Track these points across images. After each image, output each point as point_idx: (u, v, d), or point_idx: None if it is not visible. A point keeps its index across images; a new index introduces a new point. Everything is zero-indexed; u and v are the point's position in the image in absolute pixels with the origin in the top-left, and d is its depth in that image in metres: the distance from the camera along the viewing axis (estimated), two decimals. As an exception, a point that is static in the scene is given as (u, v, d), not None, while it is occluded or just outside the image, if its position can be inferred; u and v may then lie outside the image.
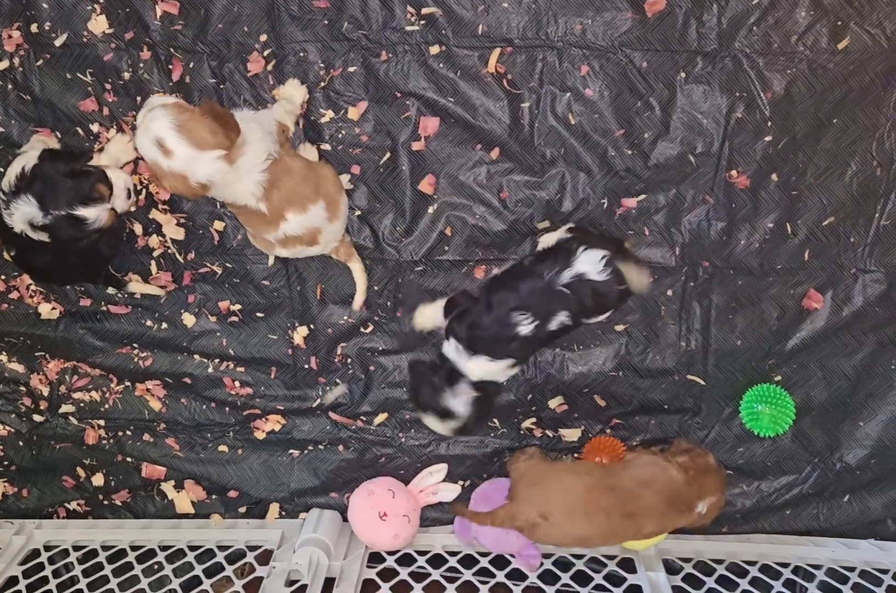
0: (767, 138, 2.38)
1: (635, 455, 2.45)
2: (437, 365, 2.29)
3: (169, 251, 2.59)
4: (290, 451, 2.76)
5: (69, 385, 2.76)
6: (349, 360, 2.67)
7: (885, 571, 2.56)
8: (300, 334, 2.64)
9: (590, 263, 2.12)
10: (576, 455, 2.69)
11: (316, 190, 2.27)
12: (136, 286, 2.61)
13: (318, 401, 2.70)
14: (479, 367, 2.22)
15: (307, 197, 2.24)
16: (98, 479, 2.82)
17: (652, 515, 2.30)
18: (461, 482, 2.74)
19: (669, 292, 2.54)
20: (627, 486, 2.30)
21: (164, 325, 2.68)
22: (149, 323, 2.67)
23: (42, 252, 2.34)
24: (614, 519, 2.29)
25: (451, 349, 2.23)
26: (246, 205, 2.18)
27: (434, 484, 2.73)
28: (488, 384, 2.27)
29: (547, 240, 2.39)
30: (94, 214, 2.27)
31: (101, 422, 2.78)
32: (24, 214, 2.22)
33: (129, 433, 2.78)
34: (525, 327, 2.15)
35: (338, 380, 2.69)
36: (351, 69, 2.40)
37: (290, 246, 2.33)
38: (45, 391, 2.77)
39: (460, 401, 2.25)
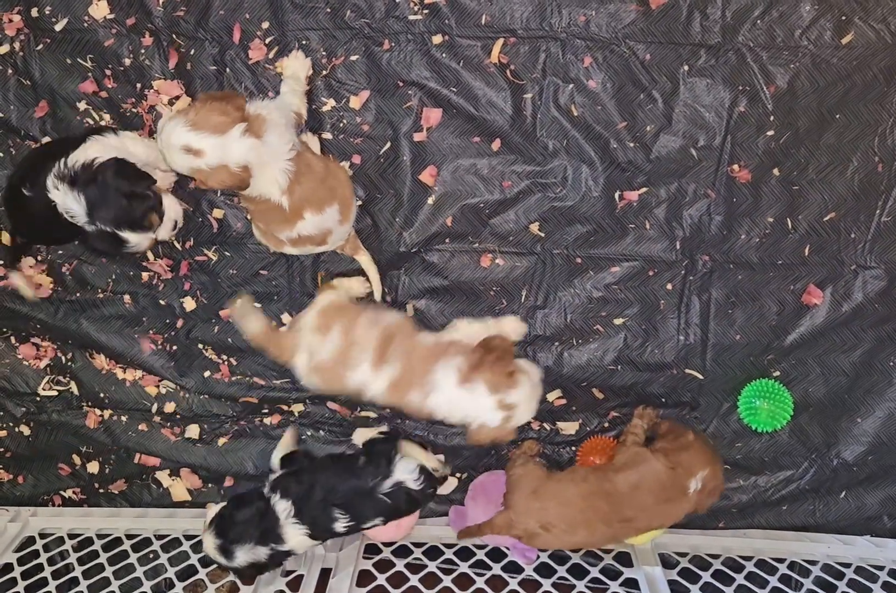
0: (770, 133, 2.37)
1: (621, 449, 2.45)
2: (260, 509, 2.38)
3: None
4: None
5: (66, 371, 2.76)
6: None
7: (880, 568, 2.56)
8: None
9: (407, 472, 2.40)
10: (573, 448, 2.69)
11: (333, 192, 2.28)
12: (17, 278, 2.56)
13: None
14: (297, 539, 2.37)
15: (325, 198, 2.25)
16: (93, 467, 2.83)
17: (648, 513, 2.32)
18: (458, 474, 2.74)
19: (669, 286, 2.53)
20: (622, 490, 2.31)
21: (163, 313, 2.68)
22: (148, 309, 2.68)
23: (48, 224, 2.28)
24: (613, 526, 2.32)
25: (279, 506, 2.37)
26: (269, 198, 2.18)
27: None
28: (283, 554, 2.40)
29: (361, 436, 2.64)
30: (136, 240, 2.25)
31: (98, 411, 2.78)
32: (68, 207, 2.17)
33: (125, 421, 2.78)
34: (340, 525, 2.36)
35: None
36: (353, 58, 2.39)
37: (301, 245, 2.34)
38: (42, 377, 2.77)
39: (250, 555, 2.36)
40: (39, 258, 2.65)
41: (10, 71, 2.47)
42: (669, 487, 2.31)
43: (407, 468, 2.41)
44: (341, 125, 2.44)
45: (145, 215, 2.24)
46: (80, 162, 2.17)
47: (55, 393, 2.78)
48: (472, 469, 2.74)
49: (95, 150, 2.21)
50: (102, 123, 2.49)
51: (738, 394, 2.58)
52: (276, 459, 2.62)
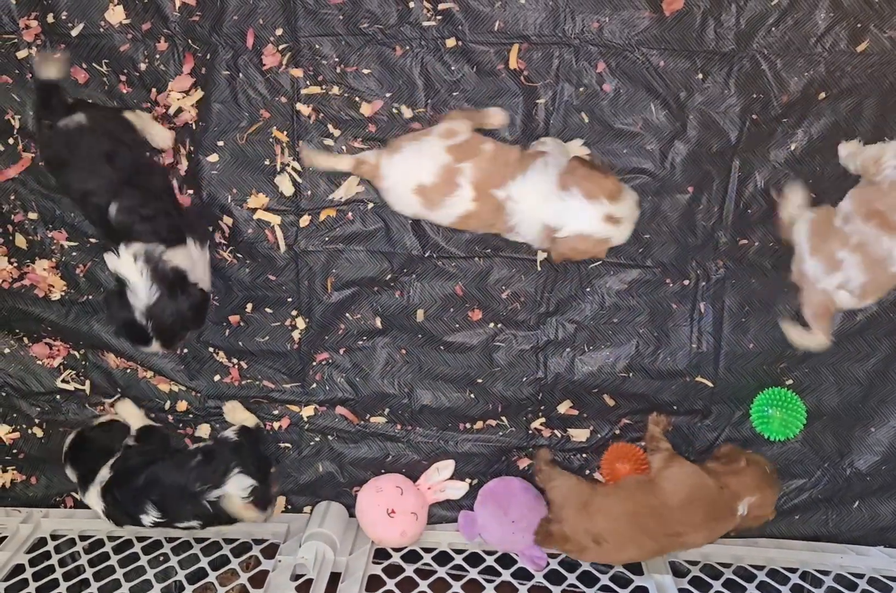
0: (782, 140, 2.36)
1: (668, 466, 2.43)
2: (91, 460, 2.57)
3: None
4: (299, 445, 2.76)
5: (80, 369, 2.77)
6: (356, 354, 2.68)
7: (894, 579, 2.54)
8: (300, 327, 2.65)
9: (238, 488, 2.45)
10: (584, 455, 2.68)
11: None
12: None
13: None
14: (94, 503, 2.53)
15: None
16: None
17: (696, 529, 2.32)
18: (469, 480, 2.74)
19: (682, 293, 2.52)
20: (670, 505, 2.31)
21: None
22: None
23: None
24: (661, 541, 2.33)
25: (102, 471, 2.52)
26: None
27: (442, 482, 2.72)
28: None
29: (231, 413, 2.70)
30: (156, 350, 2.38)
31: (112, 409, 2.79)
32: (132, 280, 2.25)
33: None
34: (148, 519, 2.46)
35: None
36: (365, 64, 2.39)
37: None
38: (55, 376, 2.78)
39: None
40: (54, 260, 2.66)
41: (28, 75, 2.47)
42: (719, 505, 2.31)
43: (240, 484, 2.45)
44: (352, 131, 2.45)
45: (180, 338, 2.41)
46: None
47: (72, 388, 2.78)
48: (482, 475, 2.74)
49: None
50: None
51: (751, 403, 2.56)
52: (133, 429, 2.67)
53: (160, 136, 2.46)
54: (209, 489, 2.44)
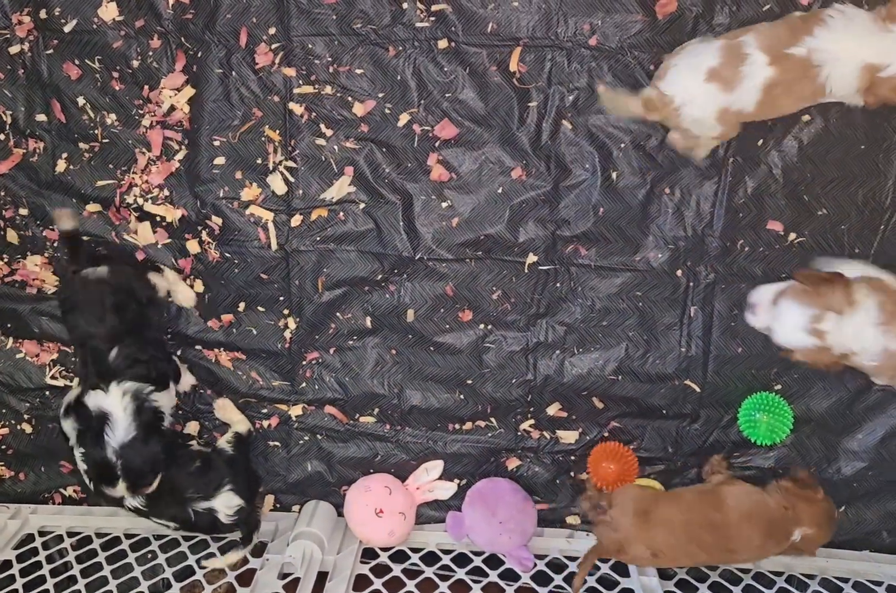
0: (774, 145, 2.36)
1: (730, 482, 2.44)
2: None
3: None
4: (287, 444, 2.76)
5: (69, 365, 2.77)
6: (346, 353, 2.68)
7: (878, 583, 2.55)
8: (291, 327, 2.65)
9: (225, 505, 2.49)
10: (573, 457, 2.69)
11: None
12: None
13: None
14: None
15: None
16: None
17: (750, 548, 2.32)
18: (457, 480, 2.74)
19: (672, 297, 2.52)
20: (729, 521, 2.30)
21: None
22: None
23: None
24: (714, 555, 2.35)
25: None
26: None
27: (430, 482, 2.72)
28: None
29: (221, 411, 2.70)
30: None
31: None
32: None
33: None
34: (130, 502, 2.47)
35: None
36: (358, 64, 2.39)
37: None
38: (45, 372, 2.78)
39: None
40: (47, 255, 2.66)
41: (20, 71, 2.48)
42: (777, 527, 2.31)
43: (228, 502, 2.49)
44: (344, 130, 2.45)
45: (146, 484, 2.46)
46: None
47: (62, 384, 2.77)
48: (470, 475, 2.74)
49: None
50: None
51: (739, 407, 2.56)
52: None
53: (184, 296, 2.61)
54: (197, 499, 2.48)
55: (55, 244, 2.64)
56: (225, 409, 2.70)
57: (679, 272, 2.49)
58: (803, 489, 2.36)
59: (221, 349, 2.69)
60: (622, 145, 2.39)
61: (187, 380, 2.67)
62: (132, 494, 2.44)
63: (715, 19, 2.26)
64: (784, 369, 2.55)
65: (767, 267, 2.45)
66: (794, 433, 2.52)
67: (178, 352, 2.70)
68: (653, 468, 2.67)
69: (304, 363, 2.68)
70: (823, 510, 2.36)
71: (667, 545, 2.31)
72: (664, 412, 2.62)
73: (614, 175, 2.41)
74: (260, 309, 2.63)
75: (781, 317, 2.15)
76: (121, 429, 2.36)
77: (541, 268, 2.52)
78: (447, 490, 2.73)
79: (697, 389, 2.58)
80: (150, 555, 2.66)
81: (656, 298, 2.52)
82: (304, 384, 2.70)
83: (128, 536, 2.71)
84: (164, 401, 2.48)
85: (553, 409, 2.64)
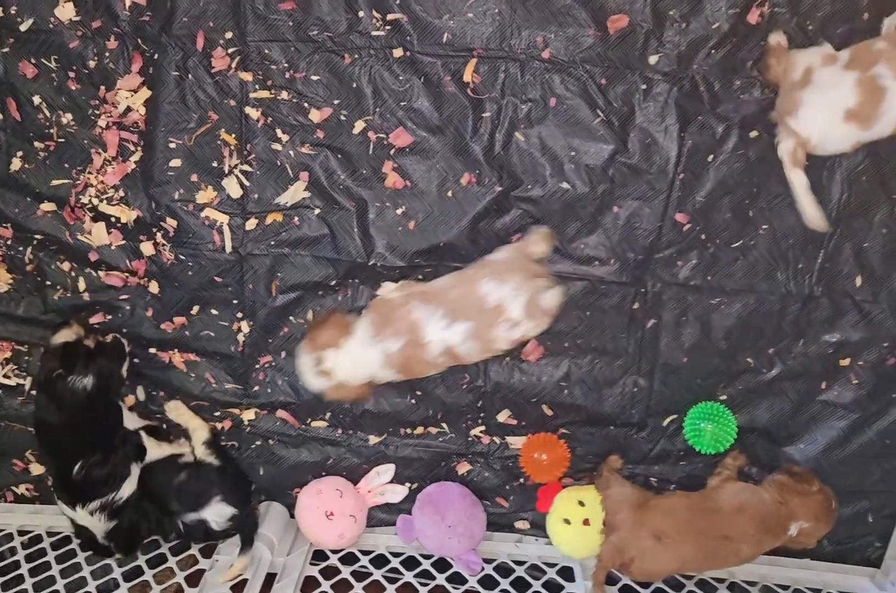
0: (721, 160, 2.38)
1: (726, 481, 2.48)
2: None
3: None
4: (240, 447, 2.77)
5: (22, 364, 2.77)
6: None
7: (817, 591, 2.61)
8: (244, 330, 2.65)
9: (217, 515, 2.51)
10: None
11: None
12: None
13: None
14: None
15: None
16: (38, 469, 2.84)
17: (746, 540, 2.34)
18: (408, 484, 2.76)
19: (619, 306, 2.54)
20: (723, 510, 2.36)
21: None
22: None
23: None
24: (714, 542, 2.34)
25: None
26: None
27: (381, 485, 2.75)
28: None
29: (200, 452, 2.65)
30: None
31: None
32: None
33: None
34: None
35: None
36: (314, 71, 2.39)
37: None
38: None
39: None
40: (0, 253, 2.65)
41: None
42: (772, 520, 2.35)
43: (220, 512, 2.52)
44: (300, 137, 2.46)
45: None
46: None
47: (13, 383, 2.77)
48: (421, 479, 2.76)
49: None
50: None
51: (685, 416, 2.59)
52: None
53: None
54: (185, 512, 2.51)
55: (8, 242, 2.63)
56: (178, 410, 2.70)
57: (627, 282, 2.52)
58: (798, 483, 2.39)
59: (175, 351, 2.69)
60: (574, 157, 2.41)
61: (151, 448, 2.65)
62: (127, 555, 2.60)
63: (665, 36, 2.28)
64: (729, 380, 2.59)
65: (714, 279, 2.49)
66: (738, 442, 2.56)
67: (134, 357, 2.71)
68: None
69: (257, 366, 2.68)
70: (818, 503, 2.38)
71: (669, 527, 2.34)
72: (612, 420, 2.65)
73: (566, 186, 2.43)
74: (213, 311, 2.63)
75: (298, 368, 2.40)
76: (100, 532, 2.52)
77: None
78: (398, 493, 2.75)
79: (647, 397, 2.61)
80: (100, 555, 2.66)
81: (605, 308, 2.54)
82: (256, 387, 2.70)
83: (78, 535, 2.72)
84: (128, 489, 2.52)
85: (503, 416, 2.67)
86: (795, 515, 2.36)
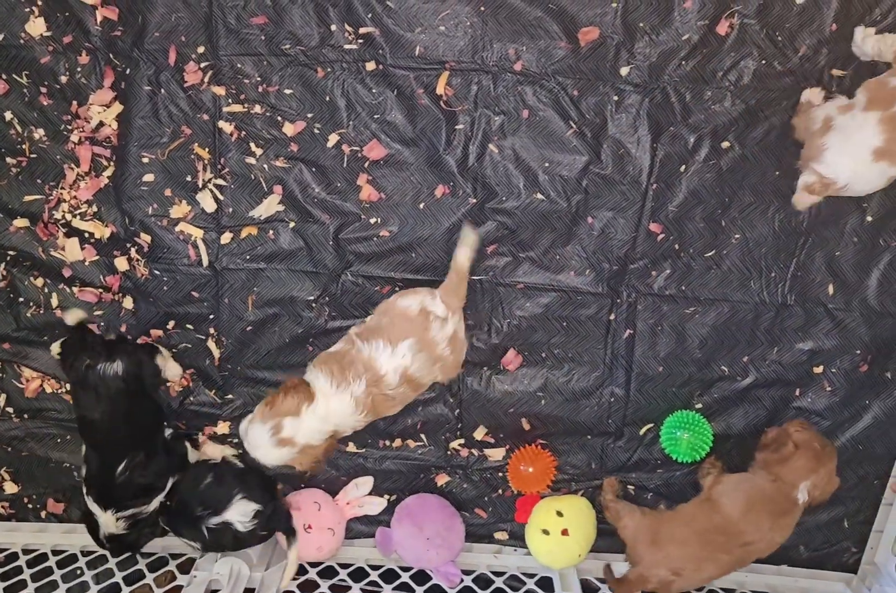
0: (693, 171, 2.41)
1: (717, 482, 2.47)
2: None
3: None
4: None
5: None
6: (276, 371, 2.67)
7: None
8: (220, 344, 2.64)
9: (240, 514, 2.44)
10: (501, 473, 2.71)
11: None
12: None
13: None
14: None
15: None
16: (11, 487, 2.81)
17: (765, 533, 2.35)
18: (387, 496, 2.76)
19: (595, 316, 2.56)
20: (733, 519, 2.34)
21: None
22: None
23: None
24: (736, 553, 2.35)
25: None
26: None
27: (360, 498, 2.74)
28: None
29: (211, 452, 2.65)
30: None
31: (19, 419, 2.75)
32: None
33: (50, 433, 2.76)
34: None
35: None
36: (287, 84, 2.40)
37: None
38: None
39: None
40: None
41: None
42: (780, 500, 2.34)
43: (242, 510, 2.46)
44: (274, 150, 2.46)
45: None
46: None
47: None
48: (400, 491, 2.75)
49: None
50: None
51: (661, 425, 2.61)
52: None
53: (172, 372, 2.60)
54: (209, 516, 2.45)
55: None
56: (209, 449, 2.70)
57: (603, 292, 2.53)
58: (775, 451, 2.38)
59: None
60: (548, 169, 2.43)
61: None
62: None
63: (636, 47, 2.31)
64: (705, 388, 2.61)
65: (688, 289, 2.51)
66: (714, 449, 2.57)
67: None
68: (578, 484, 2.71)
69: (233, 380, 2.67)
70: (802, 456, 2.35)
71: (684, 559, 2.35)
72: (589, 429, 2.66)
73: (540, 197, 2.44)
74: (189, 326, 2.62)
75: (251, 442, 2.30)
76: (109, 529, 2.48)
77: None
78: (377, 505, 2.74)
79: (624, 407, 2.63)
80: (78, 571, 2.63)
81: (581, 318, 2.56)
82: (233, 401, 2.69)
83: (55, 552, 2.70)
84: (154, 504, 2.51)
85: (480, 434, 2.67)
86: (794, 483, 2.34)
